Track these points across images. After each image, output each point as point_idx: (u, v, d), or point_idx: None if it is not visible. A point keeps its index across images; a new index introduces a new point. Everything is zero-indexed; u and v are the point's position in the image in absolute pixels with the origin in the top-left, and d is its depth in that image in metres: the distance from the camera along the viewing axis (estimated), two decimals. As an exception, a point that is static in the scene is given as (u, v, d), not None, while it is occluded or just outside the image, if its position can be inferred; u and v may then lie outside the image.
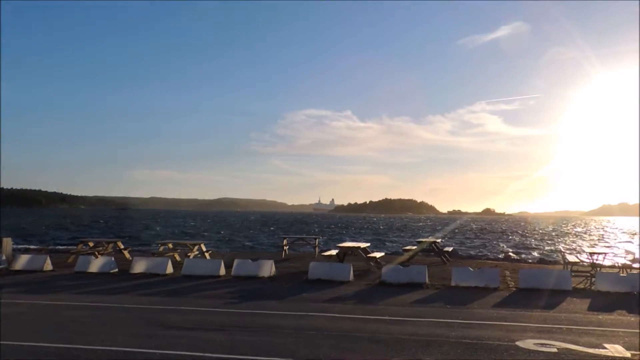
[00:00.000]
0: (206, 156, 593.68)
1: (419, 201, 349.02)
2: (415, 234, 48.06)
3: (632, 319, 8.18)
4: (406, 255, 16.95)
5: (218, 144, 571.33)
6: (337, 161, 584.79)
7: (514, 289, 11.15)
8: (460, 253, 23.19)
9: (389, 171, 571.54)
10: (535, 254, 24.00)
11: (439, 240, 18.39)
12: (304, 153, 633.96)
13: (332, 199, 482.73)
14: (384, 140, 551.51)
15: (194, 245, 15.79)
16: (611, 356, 6.06)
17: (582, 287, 11.24)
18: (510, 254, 22.92)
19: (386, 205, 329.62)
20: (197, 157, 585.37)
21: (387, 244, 32.45)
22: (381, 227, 65.25)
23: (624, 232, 54.24)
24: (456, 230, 54.69)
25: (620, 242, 35.88)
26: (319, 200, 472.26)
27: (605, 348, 6.37)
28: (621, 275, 11.32)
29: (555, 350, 6.22)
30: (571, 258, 14.59)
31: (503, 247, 29.37)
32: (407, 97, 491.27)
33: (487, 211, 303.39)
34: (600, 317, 8.31)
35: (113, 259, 13.96)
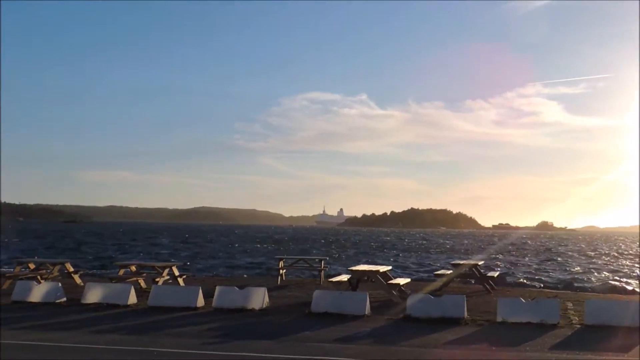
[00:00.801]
0: (178, 153, 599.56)
1: (454, 212, 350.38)
2: (450, 254, 47.95)
3: None
4: (438, 282, 17.02)
5: (193, 137, 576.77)
6: (348, 160, 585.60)
7: (578, 325, 11.13)
8: (508, 279, 23.10)
9: (416, 173, 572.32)
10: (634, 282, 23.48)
11: (480, 263, 18.35)
12: (305, 149, 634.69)
13: (341, 210, 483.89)
14: (410, 132, 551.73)
15: (164, 267, 15.84)
16: None
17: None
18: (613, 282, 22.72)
19: (412, 217, 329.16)
20: (167, 155, 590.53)
21: (413, 267, 32.34)
22: (406, 246, 65.08)
23: None
24: (504, 250, 54.03)
25: None
26: (324, 211, 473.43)
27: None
28: None
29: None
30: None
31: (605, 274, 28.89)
32: (440, 77, 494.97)
33: (544, 225, 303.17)
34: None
35: (60, 284, 13.92)
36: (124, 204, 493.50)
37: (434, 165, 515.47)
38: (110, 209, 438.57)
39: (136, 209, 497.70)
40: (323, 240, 77.57)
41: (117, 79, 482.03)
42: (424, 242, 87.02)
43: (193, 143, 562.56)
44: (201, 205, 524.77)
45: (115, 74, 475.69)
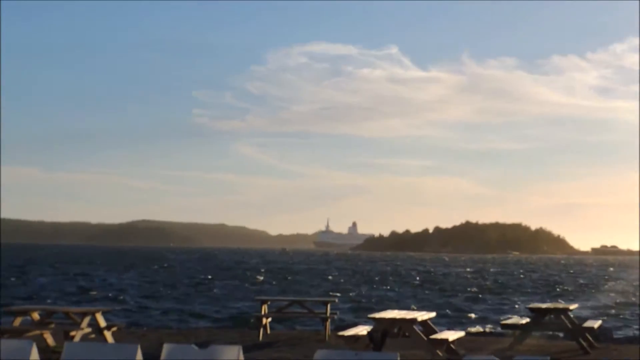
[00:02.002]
0: (106, 140, 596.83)
1: (533, 228, 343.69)
2: (525, 294, 47.94)
3: None
4: (509, 338, 17.19)
5: (129, 115, 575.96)
6: (368, 148, 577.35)
7: None
8: (617, 333, 23.31)
9: (474, 169, 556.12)
10: None
11: (573, 307, 18.41)
12: (302, 132, 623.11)
13: (354, 225, 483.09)
14: (464, 105, 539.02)
15: (84, 314, 15.90)
16: None
17: None
18: None
19: (468, 236, 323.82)
20: (89, 143, 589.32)
21: (468, 313, 32.77)
22: (457, 280, 65.60)
23: None
24: (615, 289, 54.30)
25: None
26: (328, 227, 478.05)
27: None
28: None
29: None
30: None
31: None
32: (512, 19, 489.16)
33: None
34: None
35: None
36: (22, 217, 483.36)
37: (501, 157, 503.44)
38: (5, 224, 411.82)
39: (41, 223, 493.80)
40: (327, 272, 77.59)
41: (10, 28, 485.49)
42: (488, 273, 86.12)
43: (129, 125, 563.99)
44: (141, 219, 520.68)
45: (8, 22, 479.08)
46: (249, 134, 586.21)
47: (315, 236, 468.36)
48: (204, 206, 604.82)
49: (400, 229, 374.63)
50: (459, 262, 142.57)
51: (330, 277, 68.64)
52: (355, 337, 15.20)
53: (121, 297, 38.91)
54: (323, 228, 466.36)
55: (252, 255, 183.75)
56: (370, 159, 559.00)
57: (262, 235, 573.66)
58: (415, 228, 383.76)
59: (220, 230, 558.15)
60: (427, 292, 49.29)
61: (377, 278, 67.48)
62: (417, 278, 68.78)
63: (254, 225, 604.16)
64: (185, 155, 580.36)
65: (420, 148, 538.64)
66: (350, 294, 43.11)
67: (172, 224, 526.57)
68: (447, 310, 33.86)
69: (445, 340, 15.03)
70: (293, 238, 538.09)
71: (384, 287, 53.03)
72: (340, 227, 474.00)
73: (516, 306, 37.43)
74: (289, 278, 64.15)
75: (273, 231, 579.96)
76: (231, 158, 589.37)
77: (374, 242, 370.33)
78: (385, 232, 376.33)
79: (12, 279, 52.57)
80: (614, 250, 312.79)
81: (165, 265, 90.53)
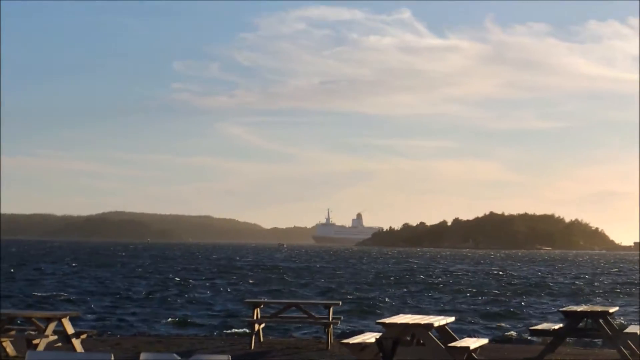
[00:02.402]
0: (71, 118, 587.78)
1: (567, 220, 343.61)
2: (558, 295, 48.02)
3: None
4: (539, 346, 17.64)
5: (99, 89, 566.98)
6: (377, 128, 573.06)
7: None
8: None
9: (500, 152, 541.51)
10: None
11: (613, 311, 18.26)
12: (299, 109, 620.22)
13: (359, 216, 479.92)
14: (487, 78, 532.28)
15: (49, 320, 15.88)
16: None
17: None
18: None
19: (492, 229, 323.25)
20: (50, 122, 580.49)
21: (492, 318, 32.77)
22: (479, 280, 65.66)
23: None
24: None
25: None
26: (328, 219, 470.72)
27: None
28: None
29: None
30: None
31: None
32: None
33: None
34: None
35: None
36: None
37: (531, 137, 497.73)
38: None
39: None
40: (328, 272, 77.16)
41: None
42: (517, 271, 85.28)
43: (99, 100, 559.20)
44: (114, 210, 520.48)
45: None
46: (237, 112, 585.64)
47: (315, 230, 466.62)
48: (186, 196, 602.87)
49: (413, 222, 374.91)
50: (482, 259, 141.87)
51: (333, 276, 67.74)
52: (362, 346, 15.17)
53: (89, 299, 38.40)
54: (323, 220, 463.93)
55: (242, 251, 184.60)
56: (378, 140, 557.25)
57: (254, 229, 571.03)
58: (432, 220, 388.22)
59: (205, 223, 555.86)
60: (445, 293, 48.84)
61: (389, 277, 66.82)
62: (434, 277, 68.36)
63: (244, 217, 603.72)
64: (164, 136, 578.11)
65: (436, 127, 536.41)
66: (356, 296, 42.74)
67: (149, 216, 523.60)
68: (468, 315, 33.70)
69: (466, 349, 15.02)
70: (289, 232, 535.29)
71: (396, 288, 52.47)
72: (343, 219, 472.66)
73: (548, 309, 37.11)
74: (285, 277, 63.55)
75: (267, 224, 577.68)
76: (217, 140, 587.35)
77: (383, 237, 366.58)
78: (397, 225, 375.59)
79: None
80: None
81: (141, 262, 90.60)
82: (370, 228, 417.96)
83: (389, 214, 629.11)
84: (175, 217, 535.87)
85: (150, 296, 42.21)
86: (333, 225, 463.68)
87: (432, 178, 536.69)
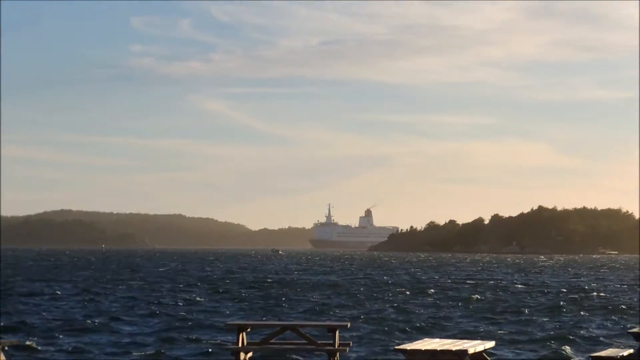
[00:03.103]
0: (2, 90, 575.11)
1: (637, 217, 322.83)
2: (628, 313, 48.66)
3: None
4: None
5: (33, 53, 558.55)
6: (391, 99, 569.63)
7: None
8: None
9: (548, 129, 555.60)
10: None
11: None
12: (291, 77, 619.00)
13: (369, 212, 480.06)
14: (534, 35, 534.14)
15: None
16: None
17: None
18: None
19: (540, 228, 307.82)
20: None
21: (547, 341, 33.02)
22: (527, 294, 66.09)
23: None
24: None
25: None
26: (330, 216, 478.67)
27: None
28: None
29: None
30: None
31: None
32: None
33: None
34: None
35: None
36: None
37: (590, 110, 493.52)
38: None
39: None
40: (341, 284, 78.26)
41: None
42: (570, 282, 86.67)
43: (36, 67, 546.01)
44: (57, 209, 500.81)
45: None
46: (214, 81, 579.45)
47: (312, 233, 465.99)
48: (150, 189, 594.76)
49: (440, 220, 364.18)
50: (528, 266, 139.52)
51: (338, 290, 69.14)
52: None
53: (29, 323, 38.74)
54: (323, 219, 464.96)
55: (223, 258, 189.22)
56: (395, 117, 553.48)
57: (237, 231, 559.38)
58: (464, 218, 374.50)
59: (175, 224, 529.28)
60: (483, 312, 49.17)
61: (410, 291, 67.07)
62: (470, 292, 68.48)
63: (225, 216, 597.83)
64: (120, 113, 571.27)
65: (469, 99, 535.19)
66: (364, 317, 42.65)
67: (103, 215, 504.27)
68: (513, 337, 34.24)
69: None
70: (282, 234, 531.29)
71: (421, 305, 52.98)
72: (349, 217, 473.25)
73: (614, 331, 37.44)
74: (279, 292, 63.91)
75: (254, 225, 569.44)
76: (189, 117, 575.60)
77: (401, 239, 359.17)
78: (419, 224, 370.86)
79: None
80: None
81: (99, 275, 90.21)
82: (383, 228, 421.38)
83: (408, 211, 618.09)
84: (136, 216, 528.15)
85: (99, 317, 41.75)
86: (335, 225, 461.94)
87: (464, 164, 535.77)
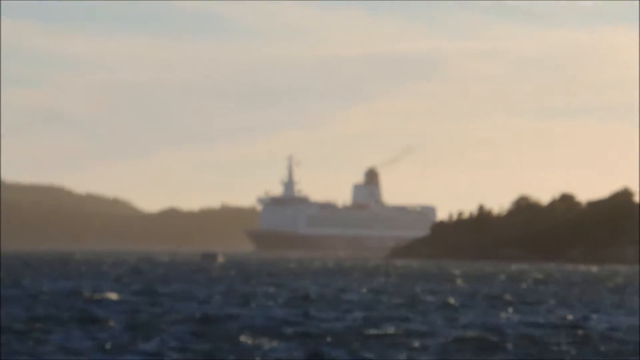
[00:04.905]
0: None
1: None
2: None
3: None
4: None
5: None
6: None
7: None
8: None
9: None
10: None
11: None
12: None
13: (373, 177, 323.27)
14: None
15: None
16: None
17: None
18: None
19: (625, 220, 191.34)
20: None
21: None
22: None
23: None
24: None
25: None
26: (289, 184, 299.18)
27: None
28: None
29: None
30: None
31: None
32: None
33: None
34: None
35: None
36: None
37: None
38: None
39: None
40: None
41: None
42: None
43: None
44: None
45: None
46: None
47: (255, 217, 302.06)
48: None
49: (527, 192, 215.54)
50: (604, 277, 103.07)
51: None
52: None
53: None
54: (277, 190, 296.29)
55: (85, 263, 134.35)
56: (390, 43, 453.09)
57: (117, 214, 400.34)
58: (545, 193, 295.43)
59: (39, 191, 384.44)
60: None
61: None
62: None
63: (88, 186, 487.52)
64: None
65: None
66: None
67: None
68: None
69: None
70: (200, 220, 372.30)
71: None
72: (334, 186, 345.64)
73: None
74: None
75: (144, 203, 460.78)
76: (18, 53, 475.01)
77: (455, 234, 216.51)
78: (466, 207, 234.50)
79: None
80: None
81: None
82: (403, 210, 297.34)
83: (444, 179, 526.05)
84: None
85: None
86: (304, 202, 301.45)
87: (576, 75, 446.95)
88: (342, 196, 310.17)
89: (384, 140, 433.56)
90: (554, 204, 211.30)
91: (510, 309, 60.39)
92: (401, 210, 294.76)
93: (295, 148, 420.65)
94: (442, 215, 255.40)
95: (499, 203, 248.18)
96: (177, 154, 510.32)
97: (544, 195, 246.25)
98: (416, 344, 40.65)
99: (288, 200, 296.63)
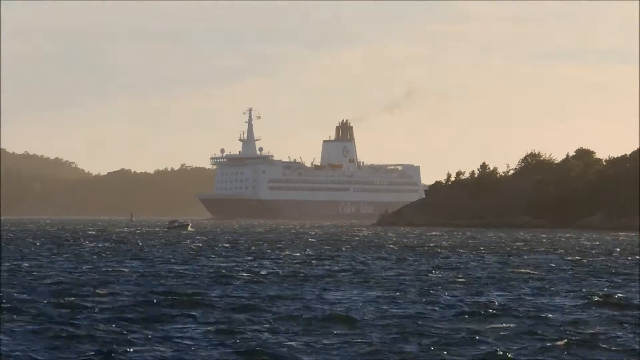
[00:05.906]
0: None
1: None
2: None
3: None
4: None
5: None
6: None
7: None
8: None
9: None
10: None
11: None
12: None
13: (347, 131, 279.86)
14: None
15: None
16: None
17: None
18: None
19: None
20: None
21: None
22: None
23: None
24: None
25: None
26: (249, 140, 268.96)
27: None
28: None
29: None
30: None
31: None
32: None
33: None
34: None
35: None
36: None
37: None
38: None
39: None
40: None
41: None
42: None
43: None
44: None
45: None
46: None
47: (208, 178, 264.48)
48: None
49: (510, 156, 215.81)
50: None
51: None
52: None
53: None
54: (234, 148, 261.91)
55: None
56: None
57: (55, 177, 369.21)
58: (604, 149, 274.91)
59: None
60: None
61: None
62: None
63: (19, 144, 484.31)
64: None
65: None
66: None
67: None
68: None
69: None
70: (162, 182, 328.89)
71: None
72: (300, 144, 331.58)
73: None
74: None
75: (93, 168, 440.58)
76: None
77: (451, 197, 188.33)
78: (470, 166, 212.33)
79: None
80: None
81: None
82: (383, 169, 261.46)
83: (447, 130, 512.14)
84: None
85: None
86: (266, 161, 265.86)
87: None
88: (311, 155, 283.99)
89: (362, 92, 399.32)
90: (568, 162, 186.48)
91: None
92: (379, 170, 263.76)
93: (254, 99, 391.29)
94: (427, 176, 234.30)
95: (503, 161, 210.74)
96: (130, 107, 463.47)
97: (557, 151, 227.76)
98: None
99: (246, 160, 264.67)
